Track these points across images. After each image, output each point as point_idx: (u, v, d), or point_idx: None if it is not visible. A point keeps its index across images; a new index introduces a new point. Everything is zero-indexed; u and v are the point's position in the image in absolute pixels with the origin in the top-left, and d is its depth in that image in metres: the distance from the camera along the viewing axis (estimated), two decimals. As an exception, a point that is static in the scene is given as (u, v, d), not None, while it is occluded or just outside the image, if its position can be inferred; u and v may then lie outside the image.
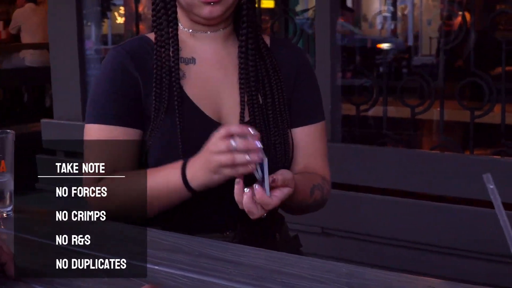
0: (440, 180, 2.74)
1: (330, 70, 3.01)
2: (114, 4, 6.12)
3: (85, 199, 1.51)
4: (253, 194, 1.43)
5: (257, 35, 1.73)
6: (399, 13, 5.48)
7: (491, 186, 0.82)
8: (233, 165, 1.44)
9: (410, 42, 4.70)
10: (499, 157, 2.84)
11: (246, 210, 1.44)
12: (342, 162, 2.95)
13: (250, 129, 1.46)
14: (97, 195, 1.49)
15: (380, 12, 5.28)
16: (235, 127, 1.47)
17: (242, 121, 1.66)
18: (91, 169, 1.50)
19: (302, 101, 1.77)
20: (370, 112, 3.27)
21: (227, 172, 1.46)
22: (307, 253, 3.00)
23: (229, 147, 1.43)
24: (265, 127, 1.68)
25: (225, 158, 1.44)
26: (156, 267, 1.26)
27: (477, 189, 2.62)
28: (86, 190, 1.48)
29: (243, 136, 1.44)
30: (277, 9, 3.82)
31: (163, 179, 1.56)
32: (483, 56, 3.17)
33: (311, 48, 3.40)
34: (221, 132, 1.46)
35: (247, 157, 1.43)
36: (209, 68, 1.72)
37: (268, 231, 1.74)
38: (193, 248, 1.37)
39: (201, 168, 1.50)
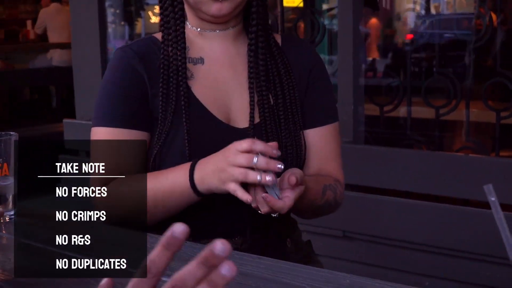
0: (465, 184, 2.67)
1: (353, 70, 2.95)
2: (148, 4, 6.13)
3: (92, 201, 1.49)
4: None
5: (267, 33, 1.69)
6: (432, 11, 5.38)
7: (493, 199, 0.77)
8: (243, 181, 1.41)
9: (437, 41, 4.62)
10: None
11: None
12: (364, 164, 2.90)
13: (274, 150, 1.41)
14: (102, 196, 1.47)
15: (411, 10, 5.22)
16: (260, 145, 1.42)
17: (251, 122, 1.62)
18: (97, 171, 1.48)
19: (315, 102, 1.73)
20: (394, 113, 3.20)
21: (233, 186, 1.43)
22: (327, 256, 3.00)
23: (249, 163, 1.40)
24: (276, 129, 1.65)
25: (238, 172, 1.41)
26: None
27: (502, 193, 2.56)
28: (91, 191, 1.47)
29: (265, 154, 1.41)
30: (301, 7, 3.76)
31: (170, 182, 1.52)
32: (510, 56, 3.10)
33: (335, 46, 3.35)
34: (243, 145, 1.42)
35: (258, 177, 1.40)
36: (218, 68, 1.68)
37: (279, 237, 1.70)
38: (184, 252, 1.32)
39: (211, 174, 1.46)
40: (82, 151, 3.79)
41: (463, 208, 2.69)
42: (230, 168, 1.42)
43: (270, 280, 1.19)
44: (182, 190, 1.51)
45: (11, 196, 1.61)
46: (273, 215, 1.45)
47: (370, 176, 2.90)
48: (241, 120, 1.64)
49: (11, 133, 1.60)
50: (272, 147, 1.42)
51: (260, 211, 1.45)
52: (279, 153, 1.42)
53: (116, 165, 1.54)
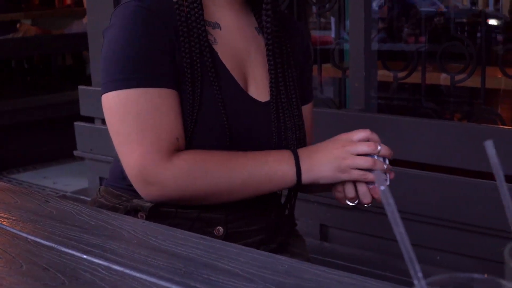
0: (479, 155, 2.54)
1: (364, 34, 2.83)
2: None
3: (153, 180, 1.42)
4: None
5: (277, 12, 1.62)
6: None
7: (493, 155, 0.70)
8: (370, 169, 1.41)
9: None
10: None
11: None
12: (378, 134, 2.79)
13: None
14: (183, 173, 1.41)
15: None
16: (376, 136, 1.46)
17: (272, 96, 1.59)
18: (157, 141, 1.41)
19: (307, 80, 1.77)
20: (409, 80, 3.07)
21: (357, 175, 1.43)
22: (336, 228, 2.91)
23: (374, 150, 1.42)
24: (290, 106, 1.63)
25: (364, 161, 1.42)
26: (84, 256, 1.15)
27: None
28: (155, 167, 1.40)
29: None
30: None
31: (270, 167, 1.47)
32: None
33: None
34: (362, 134, 1.45)
35: (385, 165, 1.43)
36: (234, 36, 1.61)
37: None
38: (135, 235, 1.25)
39: (325, 164, 1.45)
40: (98, 118, 3.74)
41: (477, 180, 2.56)
42: (352, 157, 1.42)
43: (202, 263, 1.11)
44: (283, 177, 1.47)
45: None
46: (367, 205, 1.48)
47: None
48: (258, 93, 1.59)
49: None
50: (387, 147, 1.45)
51: (352, 203, 1.49)
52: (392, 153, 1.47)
53: (171, 133, 1.44)
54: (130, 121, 1.41)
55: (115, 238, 1.24)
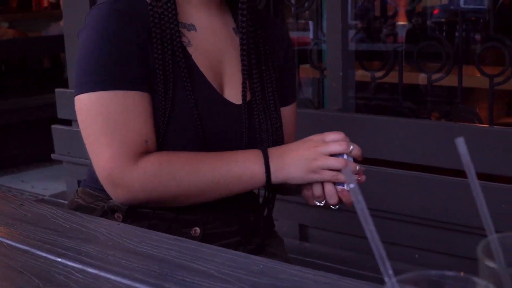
0: (457, 154, 2.55)
1: (341, 33, 2.83)
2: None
3: (119, 182, 1.41)
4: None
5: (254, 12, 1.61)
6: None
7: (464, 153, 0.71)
8: (339, 169, 1.41)
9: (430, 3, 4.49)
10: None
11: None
12: (355, 133, 2.79)
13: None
14: (149, 175, 1.40)
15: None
16: (347, 138, 1.45)
17: (244, 100, 1.58)
18: (125, 143, 1.40)
19: (288, 80, 1.75)
20: (386, 79, 3.07)
21: (328, 175, 1.42)
22: (317, 228, 2.91)
23: (346, 150, 1.41)
24: (267, 108, 1.61)
25: (336, 162, 1.41)
26: (59, 259, 1.14)
27: (496, 164, 2.44)
28: (120, 169, 1.40)
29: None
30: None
31: (240, 167, 1.45)
32: (505, 19, 2.97)
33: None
34: (334, 136, 1.43)
35: (358, 166, 1.42)
36: (210, 37, 1.59)
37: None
38: (110, 238, 1.24)
39: (295, 164, 1.44)
40: (75, 121, 3.72)
41: (454, 179, 2.57)
42: (323, 157, 1.41)
43: (177, 265, 1.10)
44: (252, 177, 1.46)
45: None
46: (333, 207, 1.47)
47: (360, 146, 2.79)
48: (232, 95, 1.58)
49: None
50: (358, 147, 1.44)
51: (319, 203, 1.48)
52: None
53: (140, 135, 1.44)
54: (100, 123, 1.41)
55: (90, 241, 1.23)
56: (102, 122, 1.41)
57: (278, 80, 1.67)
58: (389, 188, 2.67)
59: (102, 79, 1.41)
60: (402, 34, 4.48)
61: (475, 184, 0.70)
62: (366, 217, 0.61)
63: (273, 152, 1.47)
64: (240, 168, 1.45)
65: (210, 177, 1.43)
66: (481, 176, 2.53)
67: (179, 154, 1.45)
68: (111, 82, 1.42)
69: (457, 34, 4.22)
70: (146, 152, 1.44)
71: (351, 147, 1.42)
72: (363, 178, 1.44)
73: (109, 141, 1.41)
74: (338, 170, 1.41)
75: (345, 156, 1.41)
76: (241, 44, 1.58)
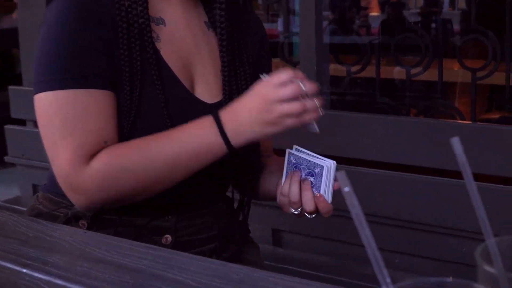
0: (438, 152, 2.57)
1: (315, 26, 2.84)
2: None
3: (76, 187, 1.40)
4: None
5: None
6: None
7: (460, 154, 0.71)
8: (302, 112, 1.33)
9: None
10: (503, 125, 2.65)
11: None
12: (329, 131, 2.80)
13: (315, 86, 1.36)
14: (101, 174, 1.38)
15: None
16: (300, 72, 1.36)
17: (225, 96, 1.57)
18: (83, 146, 1.39)
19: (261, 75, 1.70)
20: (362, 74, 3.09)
21: (291, 122, 1.34)
22: (288, 231, 2.92)
23: (297, 92, 1.32)
24: None
25: (293, 106, 1.32)
26: (24, 270, 1.12)
27: (479, 163, 2.47)
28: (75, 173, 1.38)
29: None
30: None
31: (193, 141, 1.41)
32: (487, 12, 3.00)
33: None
34: (283, 76, 1.34)
35: (316, 101, 1.34)
36: (181, 33, 1.58)
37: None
38: (77, 247, 1.23)
39: (252, 122, 1.37)
40: (30, 121, 3.68)
41: (434, 178, 2.59)
42: (278, 105, 1.33)
43: (151, 275, 1.10)
44: (210, 148, 1.41)
45: None
46: (309, 216, 1.44)
47: (335, 144, 2.80)
48: (204, 93, 1.56)
49: None
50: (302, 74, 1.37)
51: (295, 211, 1.44)
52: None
53: (100, 136, 1.42)
54: (58, 124, 1.40)
55: (55, 250, 1.22)
56: (60, 123, 1.40)
57: (252, 75, 1.66)
58: (365, 188, 2.68)
59: (61, 77, 1.40)
60: (376, 26, 4.51)
61: (471, 185, 0.71)
62: (361, 222, 0.62)
63: (225, 115, 1.41)
64: (195, 143, 1.41)
65: (165, 161, 1.41)
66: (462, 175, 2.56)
67: (129, 144, 1.43)
68: (70, 80, 1.40)
69: (433, 25, 4.27)
70: None
71: (302, 85, 1.33)
72: (322, 111, 1.37)
73: (66, 143, 1.40)
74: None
75: (302, 86, 1.33)
76: (220, 40, 1.57)
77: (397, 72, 3.24)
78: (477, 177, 2.32)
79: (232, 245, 1.65)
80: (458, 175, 2.58)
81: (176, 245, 1.51)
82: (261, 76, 1.40)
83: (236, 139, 1.39)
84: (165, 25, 1.54)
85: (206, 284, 1.05)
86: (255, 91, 1.38)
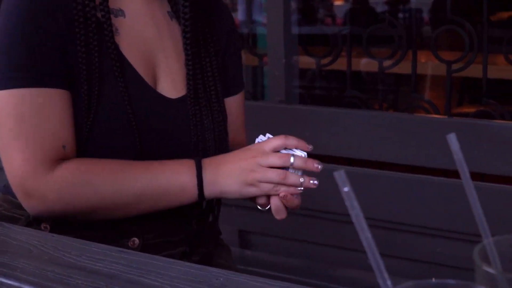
0: (413, 149, 2.61)
1: (283, 17, 2.86)
2: None
3: (32, 191, 1.40)
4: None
5: None
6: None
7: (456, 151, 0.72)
8: (282, 184, 1.39)
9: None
10: (480, 119, 2.68)
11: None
12: (300, 127, 2.82)
13: (309, 146, 1.43)
14: (66, 185, 1.38)
15: None
16: (293, 140, 1.42)
17: (189, 91, 1.57)
18: (40, 148, 1.38)
19: (232, 68, 1.75)
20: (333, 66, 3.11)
21: (267, 189, 1.41)
22: (256, 233, 2.93)
23: (285, 163, 1.39)
24: (207, 101, 1.61)
25: (275, 175, 1.39)
26: (-11, 278, 1.13)
27: (453, 160, 2.49)
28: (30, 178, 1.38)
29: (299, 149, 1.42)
30: None
31: (168, 178, 1.44)
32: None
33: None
34: (274, 143, 1.41)
35: (301, 179, 1.40)
36: (142, 25, 1.57)
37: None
38: (46, 251, 1.24)
39: (231, 176, 1.43)
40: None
41: (408, 175, 2.63)
42: (261, 169, 1.39)
43: (126, 280, 1.10)
44: (182, 190, 1.45)
45: None
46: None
47: (305, 140, 2.82)
48: (167, 88, 1.57)
49: None
50: (304, 142, 1.42)
51: (263, 209, 1.46)
52: (311, 147, 1.43)
53: (57, 139, 1.42)
54: (12, 125, 1.40)
55: (23, 255, 1.22)
56: (14, 124, 1.40)
57: (221, 67, 1.67)
58: (335, 187, 2.70)
59: (12, 76, 1.40)
60: (341, 16, 4.54)
61: (468, 183, 0.73)
62: (361, 223, 0.63)
63: (208, 162, 1.46)
64: (168, 179, 1.44)
65: (133, 189, 1.43)
66: (438, 172, 2.60)
67: (101, 162, 1.44)
68: (23, 80, 1.40)
69: (400, 16, 4.31)
70: (63, 159, 1.42)
71: (292, 160, 1.40)
72: (312, 183, 1.42)
73: (21, 145, 1.40)
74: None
75: (292, 160, 1.40)
76: (184, 32, 1.58)
77: (365, 64, 3.27)
78: (453, 174, 2.36)
79: (202, 248, 1.66)
80: (430, 171, 2.62)
81: (144, 248, 1.52)
82: (257, 138, 1.47)
83: (211, 189, 1.44)
84: (124, 17, 1.54)
85: (186, 289, 1.06)
86: (247, 148, 1.45)
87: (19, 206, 1.56)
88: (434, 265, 2.60)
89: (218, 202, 1.69)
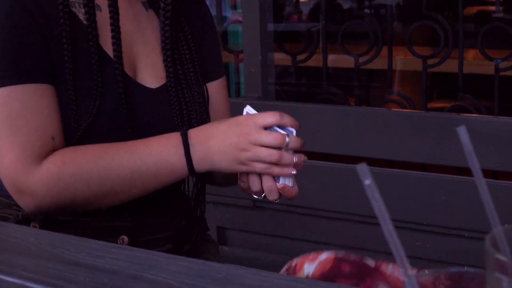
0: (391, 142, 2.64)
1: (259, 13, 2.87)
2: None
3: (24, 187, 1.40)
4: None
5: None
6: None
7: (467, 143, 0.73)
8: (275, 164, 1.37)
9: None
10: (456, 114, 2.73)
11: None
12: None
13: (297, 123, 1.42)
14: (52, 177, 1.38)
15: None
16: (288, 118, 1.40)
17: (169, 79, 1.58)
18: (28, 145, 1.39)
19: (211, 53, 1.74)
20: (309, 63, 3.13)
21: (259, 168, 1.38)
22: (235, 229, 2.94)
23: (281, 143, 1.36)
24: (188, 89, 1.61)
25: (269, 154, 1.36)
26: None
27: (430, 153, 2.54)
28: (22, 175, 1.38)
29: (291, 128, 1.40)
30: None
31: (155, 158, 1.43)
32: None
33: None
34: (268, 119, 1.38)
35: (295, 158, 1.38)
36: (120, 18, 1.57)
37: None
38: (44, 249, 1.24)
39: (222, 152, 1.40)
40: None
41: (388, 170, 2.66)
42: (254, 148, 1.36)
43: (129, 276, 1.12)
44: (173, 168, 1.44)
45: None
46: (275, 201, 1.44)
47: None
48: (147, 78, 1.58)
49: None
50: (295, 120, 1.41)
51: (258, 197, 1.45)
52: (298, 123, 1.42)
53: (46, 132, 1.43)
54: (0, 124, 1.42)
55: (22, 253, 1.22)
56: (1, 123, 1.41)
57: (199, 51, 1.68)
58: (314, 182, 2.73)
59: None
60: (307, 12, 4.55)
61: (479, 176, 0.75)
62: (384, 215, 0.65)
63: (195, 137, 1.44)
64: (156, 161, 1.43)
65: (122, 174, 1.43)
66: (415, 166, 2.64)
67: (85, 148, 1.45)
68: (7, 78, 1.41)
69: (367, 11, 4.33)
70: (53, 150, 1.44)
71: (287, 139, 1.38)
72: (298, 167, 1.42)
73: (10, 143, 1.41)
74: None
75: (287, 140, 1.38)
76: (164, 24, 1.58)
77: (341, 60, 3.29)
78: (431, 168, 2.39)
79: (186, 244, 1.67)
80: (408, 166, 2.65)
81: (133, 246, 1.53)
82: (244, 108, 1.44)
83: (201, 166, 1.43)
84: (101, 11, 1.56)
85: (190, 284, 1.07)
86: (238, 122, 1.41)
87: (8, 206, 1.56)
88: (414, 259, 2.62)
89: (203, 199, 1.70)
